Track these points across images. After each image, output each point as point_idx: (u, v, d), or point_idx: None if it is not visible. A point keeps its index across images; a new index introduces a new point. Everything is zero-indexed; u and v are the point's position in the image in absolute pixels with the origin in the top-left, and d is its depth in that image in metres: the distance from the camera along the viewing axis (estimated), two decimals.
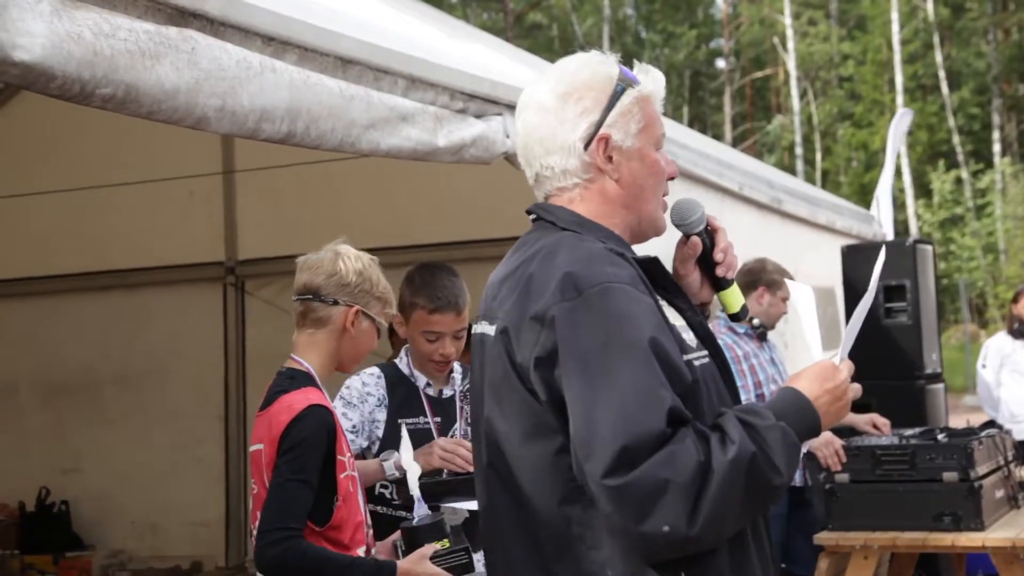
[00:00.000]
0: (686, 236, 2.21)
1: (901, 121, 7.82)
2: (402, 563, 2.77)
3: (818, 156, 38.48)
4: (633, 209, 2.06)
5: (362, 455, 3.35)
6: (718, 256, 2.20)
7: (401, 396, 3.39)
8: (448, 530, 2.87)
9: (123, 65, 2.25)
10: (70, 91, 2.17)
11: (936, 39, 37.21)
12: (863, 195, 34.81)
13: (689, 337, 2.02)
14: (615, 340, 1.81)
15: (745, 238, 5.50)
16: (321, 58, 2.97)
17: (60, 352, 7.71)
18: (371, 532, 2.89)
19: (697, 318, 2.09)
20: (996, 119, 39.35)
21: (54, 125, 6.61)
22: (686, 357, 1.92)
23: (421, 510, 2.97)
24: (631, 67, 2.09)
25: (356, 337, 2.90)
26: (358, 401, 3.36)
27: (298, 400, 2.75)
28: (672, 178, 2.12)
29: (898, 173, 33.20)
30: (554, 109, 2.02)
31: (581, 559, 1.86)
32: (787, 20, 36.92)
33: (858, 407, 4.79)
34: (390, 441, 3.31)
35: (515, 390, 1.91)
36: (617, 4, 42.77)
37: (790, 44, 36.72)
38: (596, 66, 2.06)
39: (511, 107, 3.78)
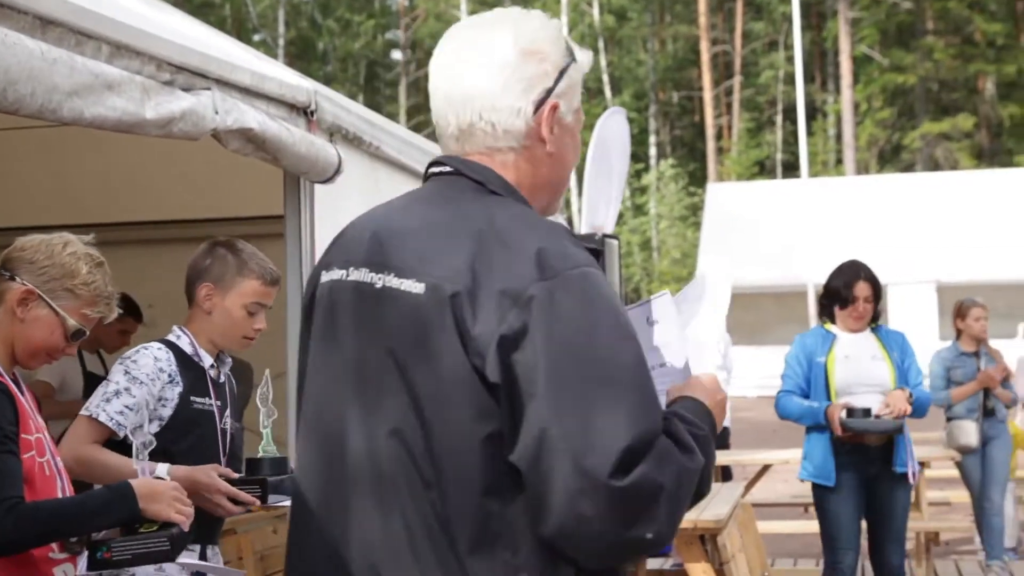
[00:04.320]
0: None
1: (611, 119, 7.85)
2: (146, 479, 2.61)
3: None
4: (554, 188, 1.91)
5: (124, 439, 3.09)
6: None
7: (192, 376, 3.21)
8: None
9: None
10: None
11: (601, 44, 39.10)
12: None
13: None
14: (605, 328, 1.67)
15: None
16: (18, 16, 2.71)
17: None
18: None
19: None
20: (652, 124, 41.85)
21: None
22: None
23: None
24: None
25: (25, 322, 2.62)
26: (147, 379, 3.11)
27: None
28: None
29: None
30: (513, 64, 1.83)
31: (496, 558, 1.68)
32: (463, 15, 37.66)
33: None
34: (180, 423, 3.13)
35: (456, 363, 1.68)
36: None
37: None
38: (554, 29, 1.89)
39: (220, 82, 3.62)
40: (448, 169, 1.87)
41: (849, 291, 5.52)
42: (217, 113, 3.49)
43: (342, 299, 1.84)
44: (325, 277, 1.89)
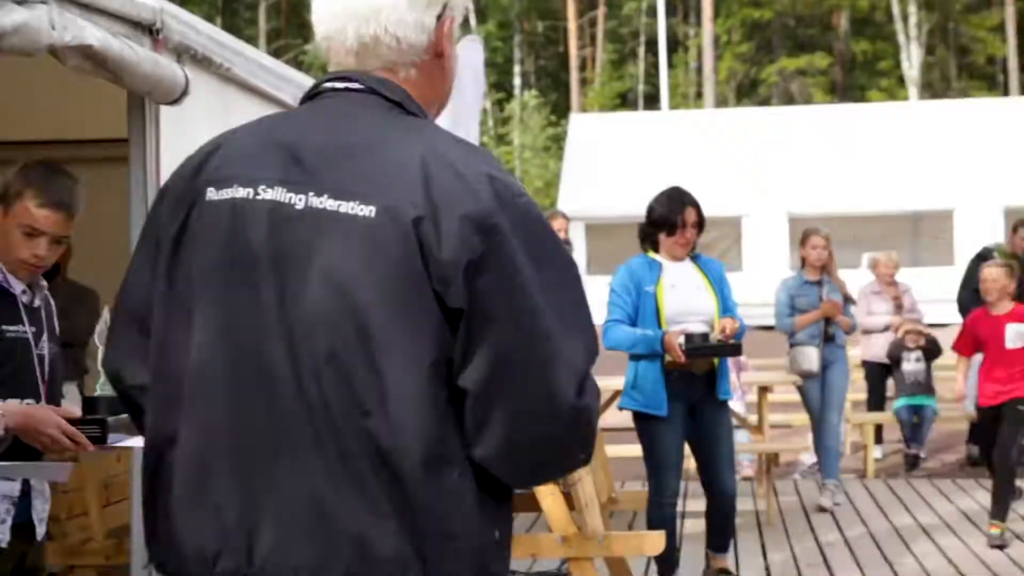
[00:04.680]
0: None
1: (467, 50, 7.74)
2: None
3: None
4: (442, 103, 1.91)
5: None
6: None
7: (2, 304, 3.10)
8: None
9: None
10: None
11: None
12: None
13: None
14: (559, 258, 1.73)
15: None
16: None
17: None
18: None
19: None
20: (517, 53, 41.77)
21: None
22: None
23: None
24: None
25: None
26: None
27: None
28: None
29: None
30: None
31: (444, 483, 1.66)
32: None
33: None
34: None
35: (416, 288, 1.65)
36: None
37: None
38: None
39: None
40: (358, 86, 1.80)
41: (678, 217, 5.51)
42: (54, 29, 3.37)
43: (254, 221, 1.72)
44: (217, 195, 1.76)
